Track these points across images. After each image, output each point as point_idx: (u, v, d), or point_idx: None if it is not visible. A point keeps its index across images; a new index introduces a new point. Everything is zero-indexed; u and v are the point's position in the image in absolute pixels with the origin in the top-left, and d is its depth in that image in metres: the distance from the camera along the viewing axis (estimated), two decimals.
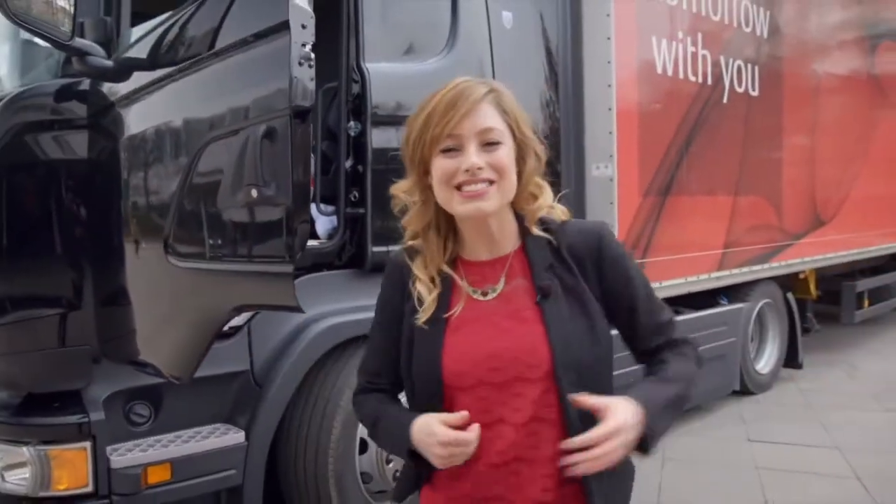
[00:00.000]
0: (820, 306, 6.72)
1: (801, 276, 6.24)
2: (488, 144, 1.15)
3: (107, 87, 2.24)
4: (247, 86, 1.83)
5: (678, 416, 1.24)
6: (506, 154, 1.17)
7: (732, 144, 4.93)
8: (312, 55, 1.73)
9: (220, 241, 1.93)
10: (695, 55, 4.47)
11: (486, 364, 1.19)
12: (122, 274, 2.26)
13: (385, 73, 2.92)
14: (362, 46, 2.87)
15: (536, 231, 1.24)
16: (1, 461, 2.30)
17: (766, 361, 5.67)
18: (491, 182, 1.15)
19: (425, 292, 1.22)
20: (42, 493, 2.23)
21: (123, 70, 2.13)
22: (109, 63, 2.09)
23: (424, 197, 1.21)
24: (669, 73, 4.28)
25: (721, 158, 4.82)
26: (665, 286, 4.30)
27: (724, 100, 4.75)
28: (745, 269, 5.10)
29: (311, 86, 1.76)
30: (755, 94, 5.06)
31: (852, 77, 6.55)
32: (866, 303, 7.20)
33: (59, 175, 2.28)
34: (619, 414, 1.09)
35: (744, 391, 5.26)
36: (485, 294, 1.23)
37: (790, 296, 5.95)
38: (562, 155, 3.74)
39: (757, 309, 5.46)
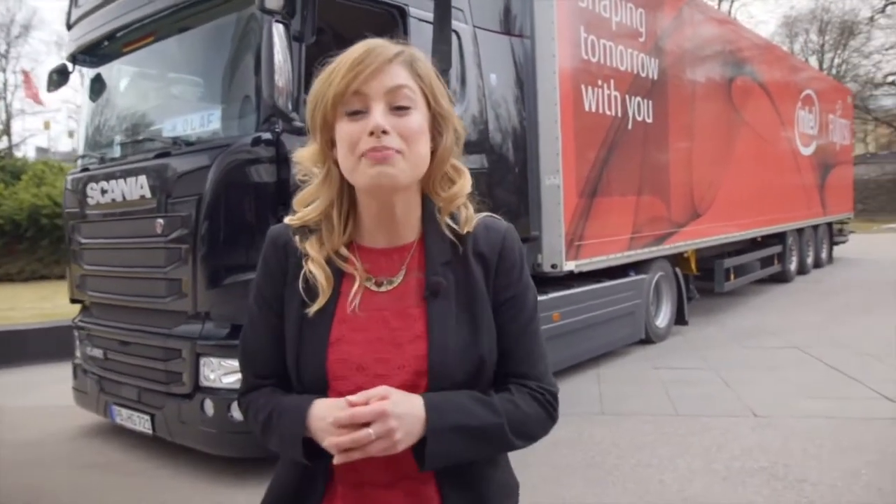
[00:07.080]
0: (699, 281, 8.57)
1: (685, 255, 7.97)
2: (398, 108, 1.01)
3: (285, 137, 3.63)
4: None
5: (476, 451, 1.04)
6: (417, 121, 1.03)
7: (635, 158, 6.58)
8: None
9: None
10: (609, 96, 6.14)
11: (372, 370, 1.05)
12: None
13: None
14: None
15: (446, 221, 1.10)
16: (220, 369, 3.65)
17: (662, 319, 7.42)
18: (398, 152, 1.00)
19: (321, 277, 1.07)
20: None
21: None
22: (303, 125, 3.50)
23: (328, 170, 1.08)
24: (593, 109, 5.92)
25: (628, 169, 6.46)
26: (594, 262, 5.95)
27: (629, 127, 6.43)
28: (646, 250, 6.77)
29: None
30: (650, 121, 6.78)
31: (717, 104, 8.48)
32: (732, 276, 9.24)
33: (257, 191, 3.62)
34: (390, 404, 0.96)
35: (647, 341, 7.01)
36: (379, 285, 1.09)
37: (678, 270, 7.69)
38: (528, 170, 5.35)
39: (655, 279, 7.18)
